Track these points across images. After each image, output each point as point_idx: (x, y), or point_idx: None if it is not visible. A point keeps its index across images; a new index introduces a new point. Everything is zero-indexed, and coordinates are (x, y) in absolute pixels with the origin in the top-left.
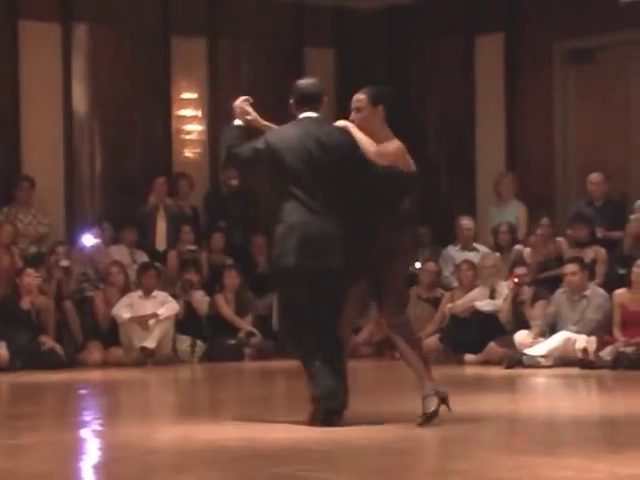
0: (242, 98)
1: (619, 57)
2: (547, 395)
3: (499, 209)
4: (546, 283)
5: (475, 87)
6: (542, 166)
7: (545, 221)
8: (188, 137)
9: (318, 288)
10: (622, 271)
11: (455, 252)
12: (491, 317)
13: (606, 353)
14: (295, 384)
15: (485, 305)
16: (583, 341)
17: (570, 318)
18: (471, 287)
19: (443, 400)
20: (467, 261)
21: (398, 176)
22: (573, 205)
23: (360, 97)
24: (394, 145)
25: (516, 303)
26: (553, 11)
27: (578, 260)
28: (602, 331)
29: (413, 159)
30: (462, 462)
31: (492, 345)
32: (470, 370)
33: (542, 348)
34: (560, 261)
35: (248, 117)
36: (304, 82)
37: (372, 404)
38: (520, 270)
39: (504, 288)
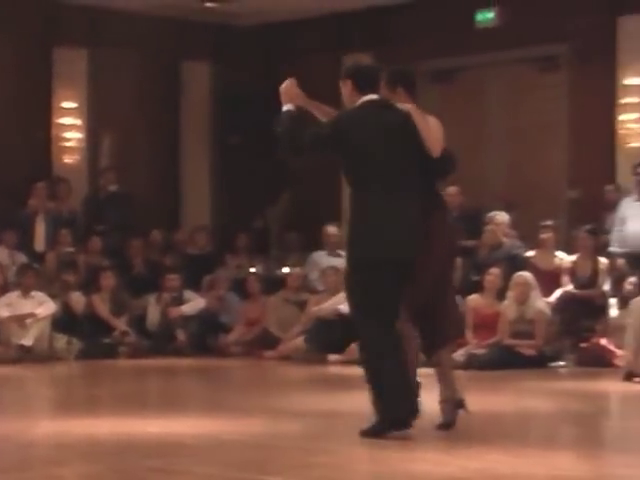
0: (289, 80)
1: (476, 77)
2: None
3: None
4: None
5: (342, 103)
6: None
7: None
8: (68, 144)
9: (405, 279)
10: (476, 278)
11: (321, 258)
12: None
13: (459, 354)
14: (168, 381)
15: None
16: None
17: None
18: (335, 291)
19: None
20: (332, 266)
21: (450, 160)
22: None
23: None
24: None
25: None
26: (415, 34)
27: None
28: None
29: (284, 173)
30: (323, 456)
31: (354, 346)
32: (333, 369)
33: None
34: None
35: (297, 100)
36: (364, 63)
37: (241, 401)
38: None
39: None
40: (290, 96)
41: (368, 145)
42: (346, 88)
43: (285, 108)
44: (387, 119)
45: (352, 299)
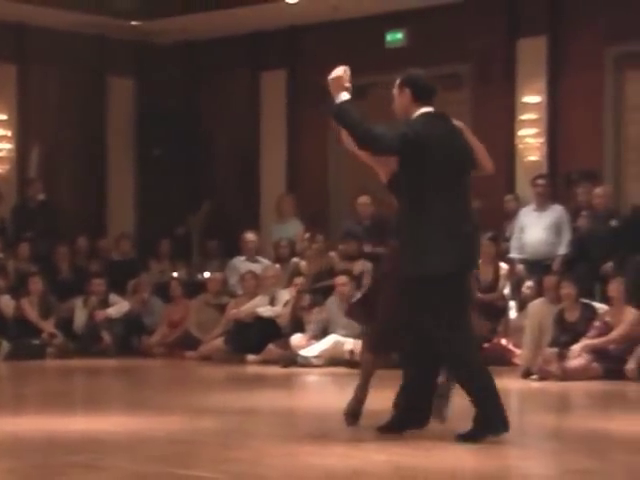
0: (343, 68)
1: (386, 93)
2: (318, 391)
3: (280, 226)
4: (320, 292)
5: (260, 117)
6: (318, 189)
7: (319, 237)
8: None
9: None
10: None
11: (240, 263)
12: (270, 322)
13: None
14: (93, 381)
15: (266, 311)
16: (350, 344)
17: (340, 323)
18: (254, 295)
19: None
20: (251, 271)
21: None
22: (344, 223)
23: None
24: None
25: (296, 309)
26: (328, 51)
27: (347, 272)
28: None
29: (204, 184)
30: (239, 451)
31: (271, 347)
32: (251, 369)
33: (315, 349)
34: (332, 273)
35: (349, 89)
36: (422, 74)
37: (163, 399)
38: (298, 280)
39: (283, 296)
40: (342, 85)
41: (438, 155)
42: (404, 97)
43: (343, 98)
44: (448, 131)
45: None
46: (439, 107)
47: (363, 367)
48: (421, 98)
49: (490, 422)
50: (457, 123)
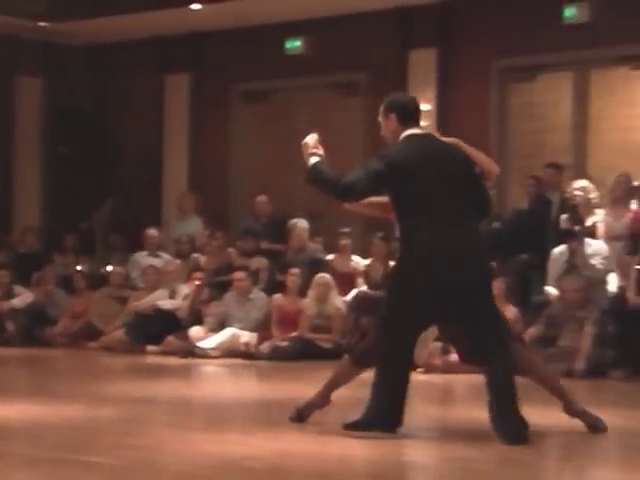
0: (312, 135)
1: (285, 99)
2: (215, 381)
3: (181, 222)
4: (218, 286)
5: (164, 119)
6: (218, 187)
7: (219, 234)
8: None
9: (459, 306)
10: (280, 278)
11: (142, 258)
12: (171, 314)
13: (265, 347)
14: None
15: (166, 304)
16: (247, 336)
17: (237, 316)
18: (155, 288)
19: None
20: (152, 266)
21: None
22: (243, 221)
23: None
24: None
25: (195, 302)
26: (230, 57)
27: (245, 268)
28: (262, 328)
29: (109, 181)
30: (138, 438)
31: (170, 338)
32: (151, 359)
33: (212, 341)
34: (231, 268)
35: (319, 153)
36: (406, 97)
37: (65, 387)
38: (198, 275)
39: (183, 290)
40: (310, 152)
41: (421, 178)
42: (390, 122)
43: (312, 161)
44: (434, 150)
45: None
46: (334, 112)
47: (338, 375)
48: (406, 120)
49: (381, 415)
50: (449, 140)
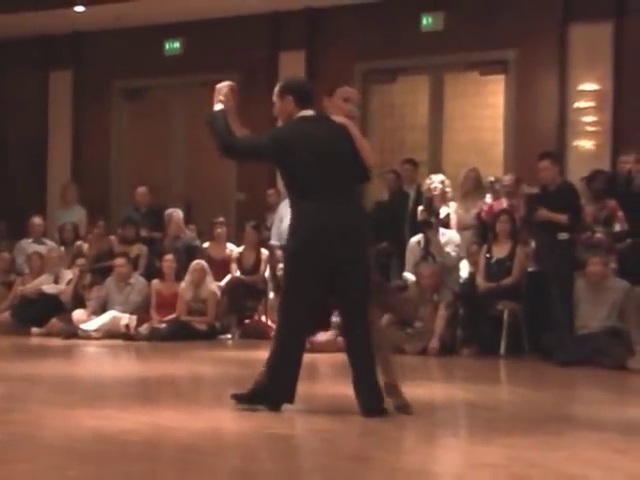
0: (228, 83)
1: (163, 96)
2: (96, 361)
3: (65, 211)
4: (100, 272)
5: (48, 113)
6: (101, 179)
7: (101, 223)
8: None
9: (342, 279)
10: (159, 264)
11: (28, 245)
12: (55, 298)
13: (144, 328)
14: None
15: (50, 288)
16: (127, 319)
17: (117, 300)
18: (39, 273)
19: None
20: (37, 252)
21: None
22: (123, 210)
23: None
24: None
25: (78, 287)
26: (111, 55)
27: (125, 255)
28: (142, 311)
29: None
30: (20, 414)
31: (54, 321)
32: (35, 341)
33: (94, 324)
34: (112, 255)
35: (227, 103)
36: (302, 80)
37: None
38: (80, 261)
39: (66, 275)
40: (224, 97)
41: (304, 156)
42: (286, 103)
43: (217, 108)
44: (322, 132)
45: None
46: (204, 108)
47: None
48: (302, 102)
49: (267, 393)
50: (340, 120)
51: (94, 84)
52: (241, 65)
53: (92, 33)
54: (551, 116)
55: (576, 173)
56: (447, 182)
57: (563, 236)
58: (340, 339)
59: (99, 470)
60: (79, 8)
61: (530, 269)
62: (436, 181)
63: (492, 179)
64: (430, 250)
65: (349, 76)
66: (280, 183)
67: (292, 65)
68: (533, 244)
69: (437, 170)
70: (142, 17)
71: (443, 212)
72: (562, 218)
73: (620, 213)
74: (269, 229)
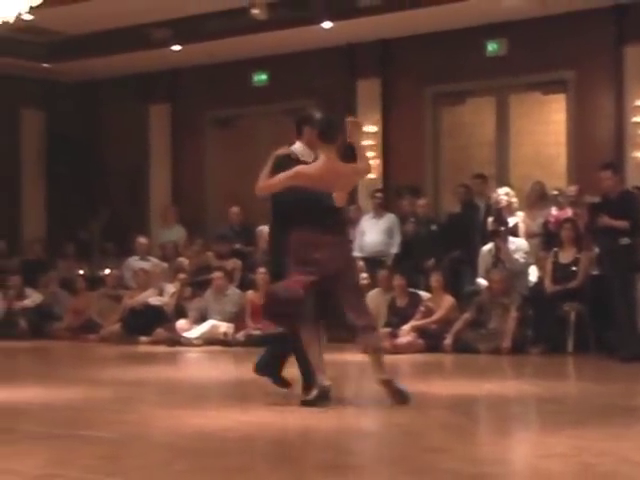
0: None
1: (251, 124)
2: (197, 366)
3: (166, 231)
4: (199, 285)
5: (149, 142)
6: (197, 200)
7: (199, 240)
8: None
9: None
10: (252, 276)
11: (134, 262)
12: (159, 309)
13: (240, 335)
14: (10, 359)
15: (155, 301)
16: (224, 327)
17: (216, 310)
18: (145, 287)
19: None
20: (142, 268)
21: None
22: (219, 228)
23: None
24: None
25: (180, 299)
26: (203, 89)
27: (222, 268)
28: (238, 319)
29: (103, 196)
30: (130, 415)
31: (159, 330)
32: (142, 348)
33: (195, 332)
34: (209, 269)
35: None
36: (330, 117)
37: (68, 373)
38: (181, 275)
39: (169, 288)
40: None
41: None
42: (312, 135)
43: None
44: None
45: None
46: (292, 136)
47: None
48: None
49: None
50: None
51: (189, 115)
52: (319, 92)
53: (187, 69)
54: (609, 130)
55: (634, 182)
56: (512, 193)
57: (624, 241)
58: (420, 341)
59: (202, 464)
60: (175, 47)
61: (594, 272)
62: (502, 193)
63: (556, 192)
64: (500, 257)
65: (420, 99)
66: (361, 200)
67: (368, 92)
68: (596, 249)
69: (504, 183)
70: (232, 53)
71: (512, 222)
72: (623, 224)
73: None
74: (351, 242)
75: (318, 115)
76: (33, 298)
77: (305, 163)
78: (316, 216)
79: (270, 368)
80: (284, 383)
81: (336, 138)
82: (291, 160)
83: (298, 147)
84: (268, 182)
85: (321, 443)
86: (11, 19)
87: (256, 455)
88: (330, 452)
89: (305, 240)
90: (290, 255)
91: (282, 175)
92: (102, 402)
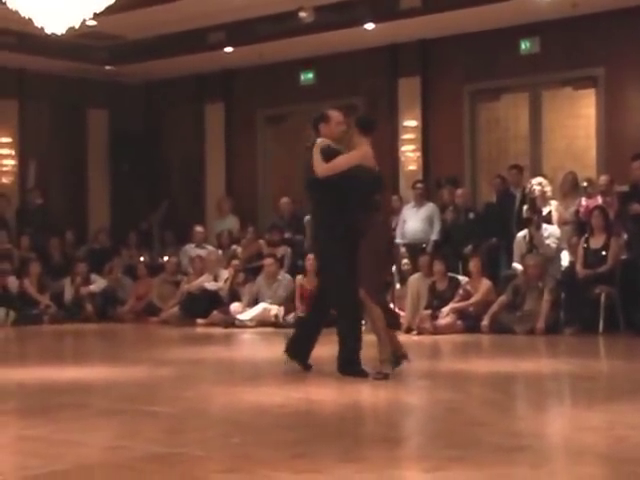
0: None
1: (299, 120)
2: (251, 346)
3: (221, 220)
4: (252, 271)
5: (205, 139)
6: (250, 192)
7: (251, 229)
8: (4, 169)
9: None
10: (301, 262)
11: (191, 249)
12: (215, 293)
13: (290, 317)
14: (79, 341)
15: (211, 285)
16: (275, 309)
17: (267, 294)
18: (201, 273)
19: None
20: (199, 255)
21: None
22: (270, 218)
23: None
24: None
25: (234, 284)
26: (254, 88)
27: (273, 255)
28: (288, 302)
29: (162, 189)
30: (189, 391)
31: (215, 313)
32: (200, 330)
33: (248, 314)
34: (261, 256)
35: None
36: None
37: (132, 353)
38: (235, 262)
39: (224, 274)
40: None
41: None
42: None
43: None
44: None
45: None
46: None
47: (375, 323)
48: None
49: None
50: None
51: (242, 113)
52: (364, 90)
53: (239, 70)
54: (637, 123)
55: None
56: (545, 183)
57: None
58: (459, 322)
59: (258, 438)
60: (228, 49)
61: (623, 257)
62: (535, 183)
63: (586, 184)
64: (534, 243)
65: (458, 96)
66: (402, 190)
67: (409, 89)
68: (625, 236)
69: (538, 174)
70: (281, 53)
71: (545, 210)
72: None
73: None
74: (394, 230)
75: (330, 112)
76: (98, 284)
77: (339, 151)
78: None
79: (301, 353)
80: (308, 367)
81: (373, 130)
82: (332, 149)
83: (325, 140)
84: (334, 164)
85: (371, 418)
86: (76, 25)
87: (310, 429)
88: (380, 426)
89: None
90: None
91: (348, 156)
92: (164, 380)
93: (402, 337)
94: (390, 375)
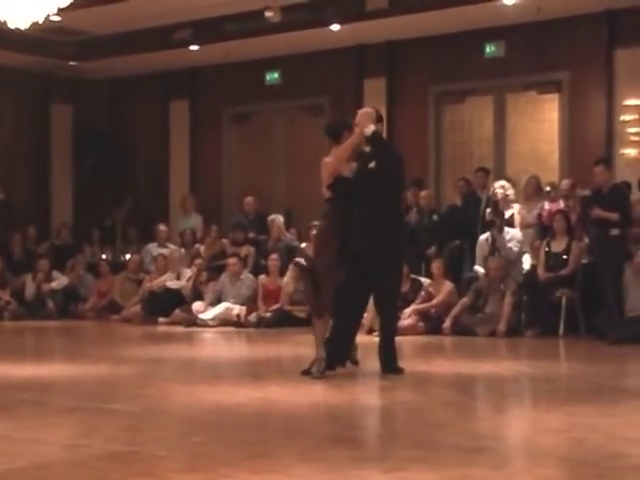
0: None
1: (265, 119)
2: (212, 345)
3: (184, 219)
4: (215, 270)
5: (169, 135)
6: (214, 191)
7: (215, 228)
8: None
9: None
10: (264, 262)
11: (154, 248)
12: (177, 292)
13: (252, 317)
14: (39, 338)
15: (173, 284)
16: (238, 309)
17: (230, 293)
18: (164, 272)
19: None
20: (162, 254)
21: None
22: (234, 217)
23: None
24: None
25: (196, 283)
26: (220, 86)
27: (236, 255)
28: (250, 302)
29: (126, 186)
30: (150, 390)
31: (177, 311)
32: (161, 329)
33: (210, 314)
34: (225, 255)
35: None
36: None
37: (93, 351)
38: (198, 260)
39: (187, 273)
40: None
41: None
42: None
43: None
44: None
45: None
46: (304, 130)
47: (317, 331)
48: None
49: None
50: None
51: (207, 111)
52: (331, 90)
53: (205, 68)
54: (600, 128)
55: (623, 178)
56: (507, 186)
57: (614, 232)
58: (421, 324)
59: (219, 437)
60: (194, 47)
61: (584, 261)
62: (497, 186)
63: (548, 188)
64: (496, 246)
65: (424, 98)
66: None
67: (374, 90)
68: (586, 239)
69: (502, 177)
70: (247, 53)
71: (508, 213)
72: (614, 216)
73: None
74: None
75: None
76: (60, 280)
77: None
78: None
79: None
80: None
81: (340, 135)
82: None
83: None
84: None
85: (330, 418)
86: (40, 20)
87: (269, 428)
88: (339, 427)
89: None
90: None
91: (327, 167)
92: (125, 378)
93: (364, 338)
94: (316, 377)
